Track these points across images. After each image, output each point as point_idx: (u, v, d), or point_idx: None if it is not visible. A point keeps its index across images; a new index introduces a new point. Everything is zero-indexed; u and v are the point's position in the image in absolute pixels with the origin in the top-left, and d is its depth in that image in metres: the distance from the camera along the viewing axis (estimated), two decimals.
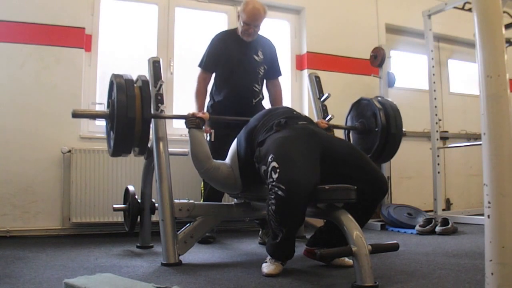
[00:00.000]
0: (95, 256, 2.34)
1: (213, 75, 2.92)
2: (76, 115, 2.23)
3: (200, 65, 2.89)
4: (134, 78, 2.30)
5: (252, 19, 2.77)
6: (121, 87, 2.15)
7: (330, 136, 2.23)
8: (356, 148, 2.18)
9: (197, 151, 2.19)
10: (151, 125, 2.37)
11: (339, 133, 2.99)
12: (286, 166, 1.80)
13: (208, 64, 2.86)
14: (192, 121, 2.27)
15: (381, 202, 3.69)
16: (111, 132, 2.23)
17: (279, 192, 1.74)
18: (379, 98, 2.86)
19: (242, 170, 2.18)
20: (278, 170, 1.79)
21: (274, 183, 1.77)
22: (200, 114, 2.33)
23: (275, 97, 3.04)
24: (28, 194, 3.02)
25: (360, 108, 2.88)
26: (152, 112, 2.34)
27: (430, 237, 3.02)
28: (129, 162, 3.16)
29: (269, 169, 1.83)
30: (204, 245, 2.75)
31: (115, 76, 2.22)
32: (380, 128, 2.67)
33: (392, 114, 2.72)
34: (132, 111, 2.13)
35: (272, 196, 1.77)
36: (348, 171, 1.96)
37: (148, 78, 2.41)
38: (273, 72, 3.02)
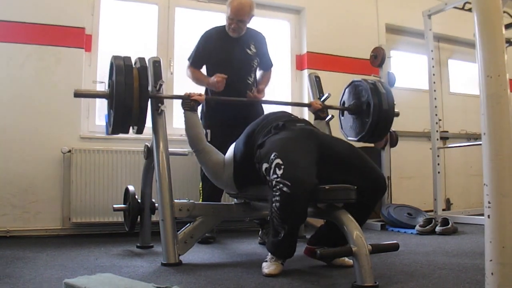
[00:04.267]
0: (95, 256, 2.34)
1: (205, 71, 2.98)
2: (78, 94, 2.34)
3: (188, 59, 2.98)
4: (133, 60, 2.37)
5: (236, 14, 2.78)
6: (120, 69, 2.25)
7: (329, 136, 2.28)
8: (355, 148, 2.19)
9: (191, 131, 2.34)
10: (150, 126, 2.41)
11: (335, 121, 3.00)
12: (290, 163, 1.81)
13: (195, 60, 2.95)
14: (187, 104, 2.39)
15: (381, 202, 3.70)
16: (111, 111, 2.32)
17: (284, 189, 1.75)
18: (369, 80, 2.89)
19: (237, 171, 2.21)
20: (283, 167, 1.80)
21: (278, 179, 1.78)
22: (195, 96, 2.41)
23: (260, 81, 3.06)
24: (28, 194, 3.02)
25: (353, 89, 2.92)
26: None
27: (430, 237, 3.02)
28: (129, 162, 3.16)
29: (273, 165, 1.83)
30: (204, 245, 2.75)
31: (114, 58, 2.31)
32: (372, 105, 2.71)
33: (383, 92, 2.76)
34: (130, 92, 2.23)
35: (277, 193, 1.78)
36: (347, 170, 1.97)
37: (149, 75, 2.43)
38: (265, 64, 3.07)
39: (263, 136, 2.07)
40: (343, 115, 3.02)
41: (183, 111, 2.40)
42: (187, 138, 2.36)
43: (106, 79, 2.46)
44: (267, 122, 2.17)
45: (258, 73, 3.07)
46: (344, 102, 2.98)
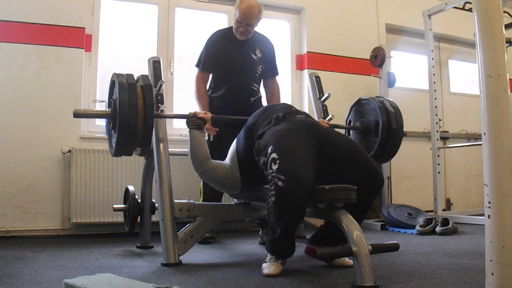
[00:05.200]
0: (95, 256, 2.34)
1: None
2: (77, 115, 2.22)
3: (197, 65, 2.89)
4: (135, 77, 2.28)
5: (244, 17, 2.74)
6: (123, 87, 2.13)
7: (328, 129, 2.25)
8: (355, 143, 2.19)
9: (196, 152, 2.18)
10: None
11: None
12: (285, 157, 1.81)
13: (206, 64, 2.85)
14: (193, 122, 2.25)
15: (381, 202, 3.70)
16: (113, 132, 2.22)
17: (279, 183, 1.75)
18: (377, 97, 2.86)
19: (242, 168, 2.19)
20: (278, 161, 1.80)
21: (274, 174, 1.78)
22: (201, 114, 2.31)
23: (272, 96, 3.02)
24: (28, 194, 3.02)
25: (359, 108, 2.88)
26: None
27: (430, 237, 3.02)
28: (129, 162, 3.16)
29: (269, 160, 1.84)
30: (204, 245, 2.75)
31: (116, 75, 2.20)
32: (381, 124, 2.67)
33: (392, 111, 2.73)
34: (135, 112, 2.11)
35: (272, 187, 1.78)
36: (345, 164, 1.97)
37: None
38: (271, 71, 3.01)
39: (264, 126, 2.07)
40: (349, 135, 2.98)
41: (188, 129, 2.25)
42: (191, 159, 2.18)
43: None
44: (268, 113, 2.16)
45: (263, 83, 3.00)
46: (350, 121, 2.95)
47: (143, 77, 2.27)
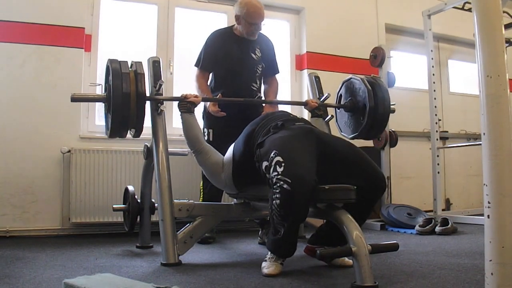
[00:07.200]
0: (94, 256, 2.34)
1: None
2: (74, 99, 2.32)
3: (197, 65, 2.90)
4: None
5: (258, 18, 2.79)
6: (116, 71, 2.24)
7: (328, 135, 2.28)
8: (354, 146, 2.20)
9: (187, 134, 2.35)
10: (150, 126, 2.41)
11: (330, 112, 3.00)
12: (290, 160, 1.82)
13: (205, 63, 2.86)
14: (183, 106, 2.38)
15: (381, 202, 3.70)
16: (108, 114, 2.31)
17: (285, 186, 1.75)
18: (368, 78, 2.86)
19: (236, 170, 2.20)
20: (283, 164, 1.80)
21: (279, 177, 1.78)
22: (192, 98, 2.39)
23: (269, 89, 3.03)
24: (28, 194, 3.02)
25: (350, 85, 2.90)
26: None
27: (430, 237, 3.02)
28: (129, 162, 3.16)
29: (273, 163, 1.84)
30: (203, 245, 2.75)
31: (111, 61, 2.30)
32: (367, 109, 2.69)
33: (380, 96, 2.74)
34: (126, 99, 2.22)
35: (277, 190, 1.78)
36: (346, 168, 1.98)
37: (147, 76, 2.43)
38: (271, 70, 3.02)
39: (263, 135, 2.08)
40: (339, 109, 3.02)
41: (180, 113, 2.38)
42: (185, 139, 2.36)
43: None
44: (266, 121, 2.17)
45: (263, 80, 3.02)
46: (341, 95, 2.96)
47: (136, 63, 2.36)
